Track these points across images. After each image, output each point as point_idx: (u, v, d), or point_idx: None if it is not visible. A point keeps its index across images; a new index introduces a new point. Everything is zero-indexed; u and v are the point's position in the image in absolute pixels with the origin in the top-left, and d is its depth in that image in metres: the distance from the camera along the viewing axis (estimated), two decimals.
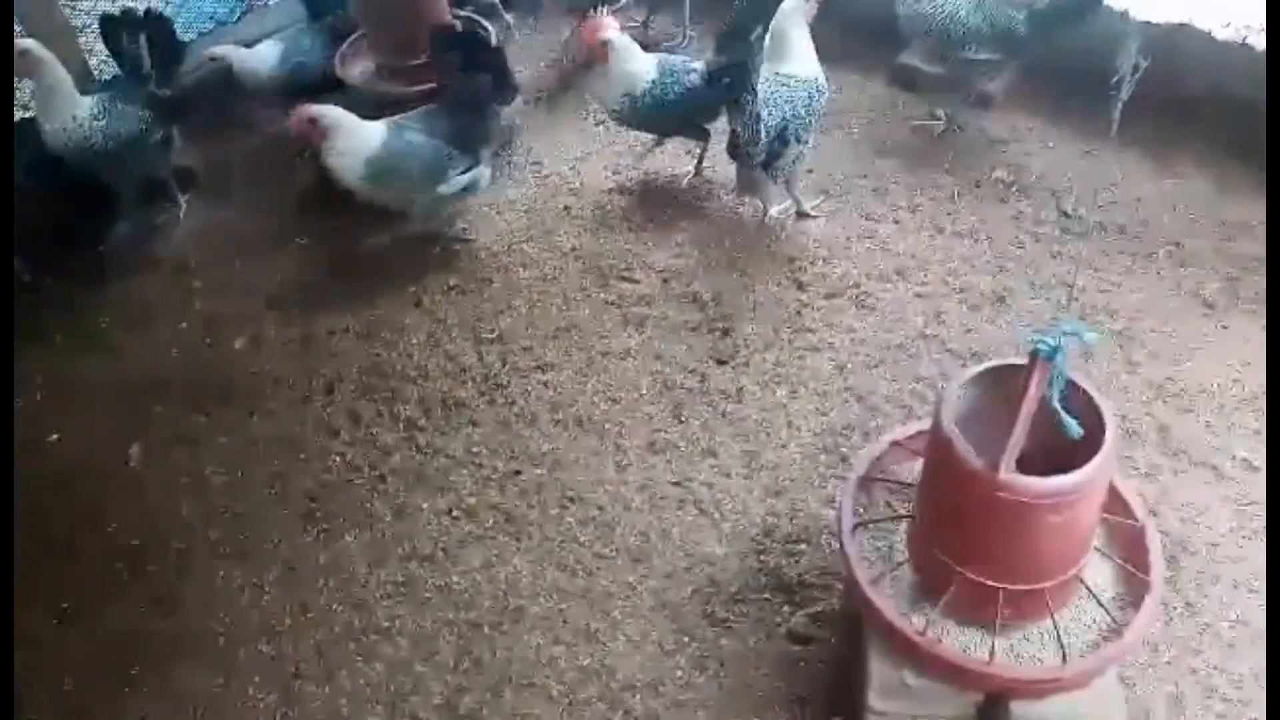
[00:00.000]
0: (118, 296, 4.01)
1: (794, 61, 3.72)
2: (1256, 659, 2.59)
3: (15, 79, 3.83)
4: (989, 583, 2.21)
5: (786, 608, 2.83)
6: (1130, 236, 3.77)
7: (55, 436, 3.54)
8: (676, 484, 3.15)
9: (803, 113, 3.68)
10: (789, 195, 3.93)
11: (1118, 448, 2.15)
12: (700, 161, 4.20)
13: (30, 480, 3.09)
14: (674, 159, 4.27)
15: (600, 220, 4.09)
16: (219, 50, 4.23)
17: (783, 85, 3.66)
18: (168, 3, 4.62)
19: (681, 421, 3.32)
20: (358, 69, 4.33)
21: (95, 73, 4.30)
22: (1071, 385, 2.11)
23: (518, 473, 3.23)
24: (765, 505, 3.07)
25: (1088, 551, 2.28)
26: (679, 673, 2.72)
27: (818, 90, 3.75)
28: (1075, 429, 2.07)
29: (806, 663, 2.71)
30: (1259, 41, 3.89)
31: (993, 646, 2.24)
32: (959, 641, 2.29)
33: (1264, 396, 3.18)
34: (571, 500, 3.14)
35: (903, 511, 2.53)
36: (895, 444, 2.65)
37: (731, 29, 3.84)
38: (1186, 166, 4.00)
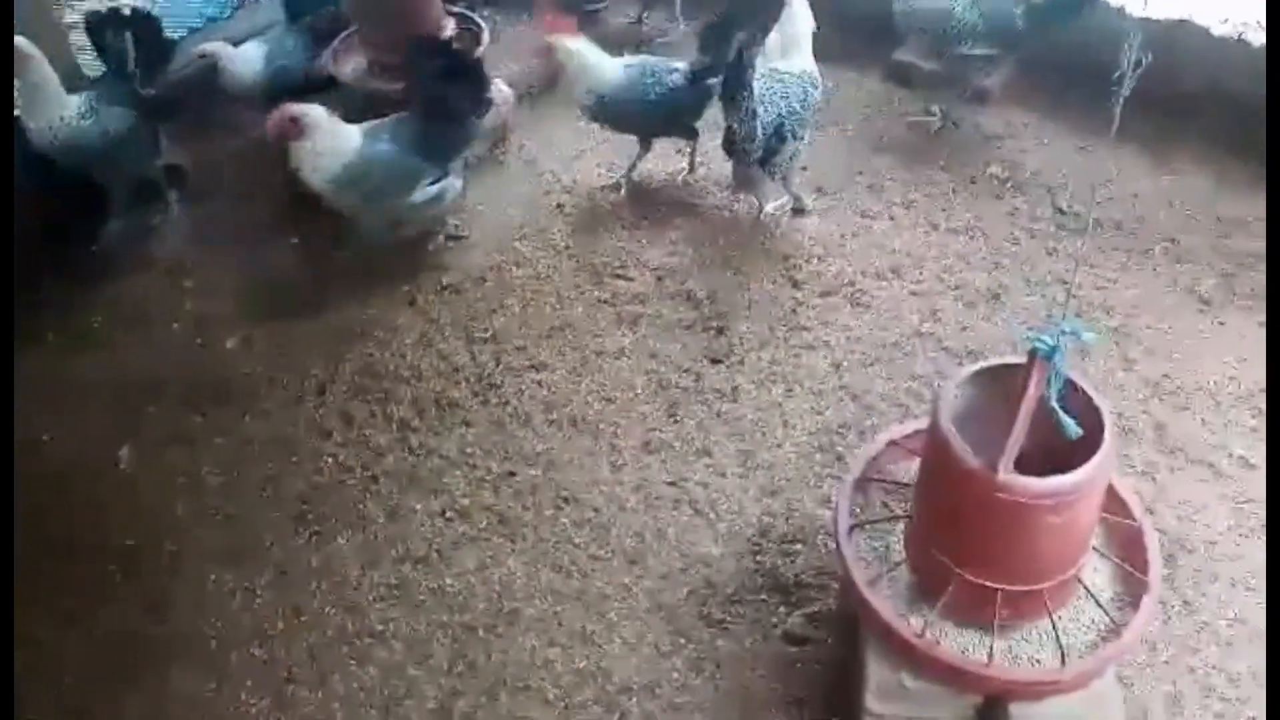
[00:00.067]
0: (110, 296, 3.97)
1: (789, 57, 3.71)
2: (1255, 657, 2.58)
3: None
4: (987, 584, 2.19)
5: (783, 608, 2.81)
6: (1126, 233, 3.76)
7: (48, 436, 3.51)
8: (672, 484, 3.14)
9: (798, 108, 3.67)
10: (786, 191, 3.91)
11: (1116, 447, 2.14)
12: (693, 159, 4.18)
13: (24, 480, 3.05)
14: (667, 157, 4.24)
15: (594, 218, 4.07)
16: (209, 47, 4.20)
17: (778, 81, 3.64)
18: (155, 1, 4.59)
19: (676, 421, 3.31)
20: (349, 66, 4.30)
21: (85, 71, 4.26)
22: (1070, 385, 2.10)
23: (512, 473, 3.21)
24: (761, 505, 3.05)
25: (1086, 552, 2.27)
26: (675, 675, 2.71)
27: (812, 85, 3.73)
28: (1074, 429, 2.06)
29: (803, 664, 2.69)
30: (1256, 38, 3.89)
31: (991, 648, 2.22)
32: (957, 643, 2.28)
33: (1261, 393, 3.17)
34: (566, 501, 3.12)
35: (900, 512, 2.51)
36: (892, 443, 2.63)
37: (714, 28, 3.84)
38: (1183, 163, 3.99)
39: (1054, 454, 2.09)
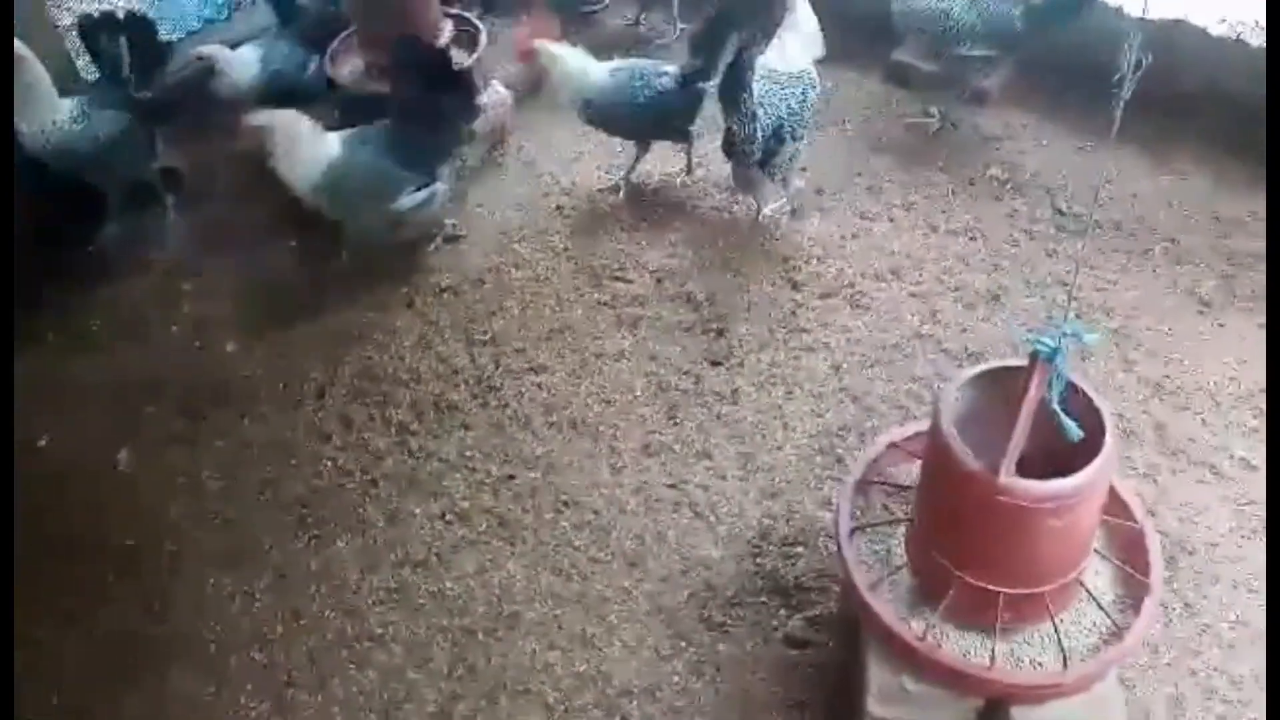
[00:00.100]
0: (109, 298, 3.97)
1: (787, 58, 3.70)
2: (1257, 660, 2.58)
3: None
4: (989, 587, 2.19)
5: (783, 611, 2.81)
6: (1126, 234, 3.75)
7: (47, 438, 3.51)
8: (672, 486, 3.13)
9: (797, 108, 3.66)
10: (785, 193, 3.91)
11: (1118, 450, 2.13)
12: (690, 160, 4.17)
13: (24, 481, 3.05)
14: (666, 158, 4.23)
15: (593, 220, 4.06)
16: (206, 50, 4.18)
17: (775, 83, 3.64)
18: (153, 2, 4.57)
19: (676, 423, 3.30)
20: (348, 68, 4.29)
21: (82, 73, 4.25)
22: (1071, 387, 2.09)
23: (511, 476, 3.20)
24: (761, 507, 3.05)
25: (1088, 554, 2.26)
26: (675, 678, 2.70)
27: (811, 86, 3.73)
28: (1075, 431, 2.05)
29: (804, 667, 2.69)
30: (1254, 38, 3.88)
31: (993, 651, 2.22)
32: (959, 646, 2.27)
33: (1261, 394, 3.16)
34: (566, 504, 3.11)
35: (901, 515, 2.50)
36: (892, 446, 2.62)
37: (705, 31, 3.84)
38: (1182, 163, 3.98)
39: (1055, 456, 2.08)
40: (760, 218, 3.94)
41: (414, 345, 3.63)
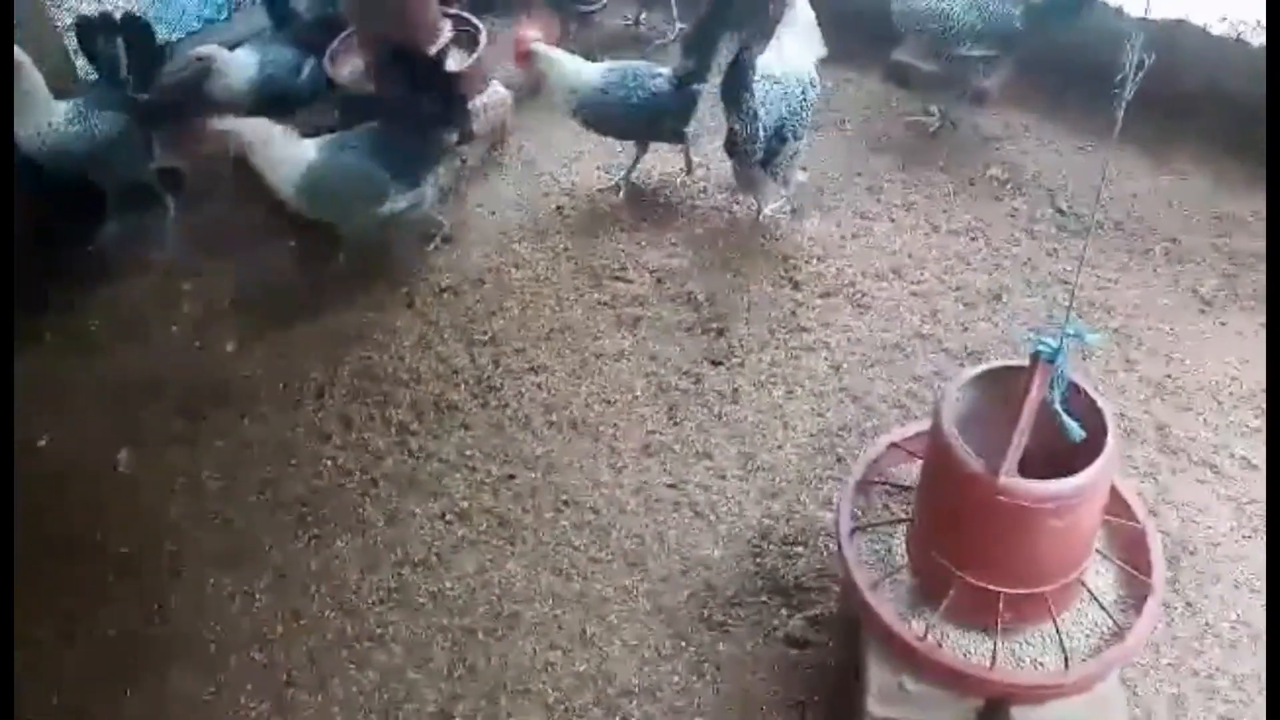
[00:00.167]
0: (108, 298, 3.97)
1: (787, 58, 3.70)
2: (1259, 660, 2.58)
3: None
4: (989, 587, 2.18)
5: (784, 611, 2.81)
6: (1127, 233, 3.74)
7: (46, 439, 3.51)
8: (672, 486, 3.13)
9: (798, 108, 3.66)
10: (785, 192, 3.90)
11: (1119, 450, 2.13)
12: (690, 160, 4.17)
13: (23, 482, 3.05)
14: (666, 158, 4.23)
15: (593, 220, 4.05)
16: (204, 50, 4.18)
17: (775, 83, 3.63)
18: (153, 2, 4.57)
19: (676, 423, 3.30)
20: (347, 68, 4.28)
21: (82, 73, 4.25)
22: (1073, 387, 2.09)
23: (511, 476, 3.20)
24: (761, 507, 3.04)
25: (1089, 554, 2.26)
26: (676, 678, 2.70)
27: (811, 85, 3.73)
28: (1077, 432, 2.05)
29: (804, 667, 2.69)
30: (1254, 37, 3.87)
31: (994, 651, 2.21)
32: (959, 646, 2.27)
33: (1262, 394, 3.16)
34: (566, 504, 3.11)
35: (901, 515, 2.50)
36: (893, 446, 2.62)
37: (697, 33, 3.83)
38: (1183, 163, 3.98)
39: (1056, 456, 2.08)
40: (761, 217, 3.94)
41: (414, 345, 3.62)
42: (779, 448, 3.19)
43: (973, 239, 3.80)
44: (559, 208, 4.12)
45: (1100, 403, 2.12)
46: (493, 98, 4.33)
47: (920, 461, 2.43)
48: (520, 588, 2.92)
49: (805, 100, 3.69)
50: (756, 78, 3.53)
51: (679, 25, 4.86)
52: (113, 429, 3.49)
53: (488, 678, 2.74)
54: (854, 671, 2.48)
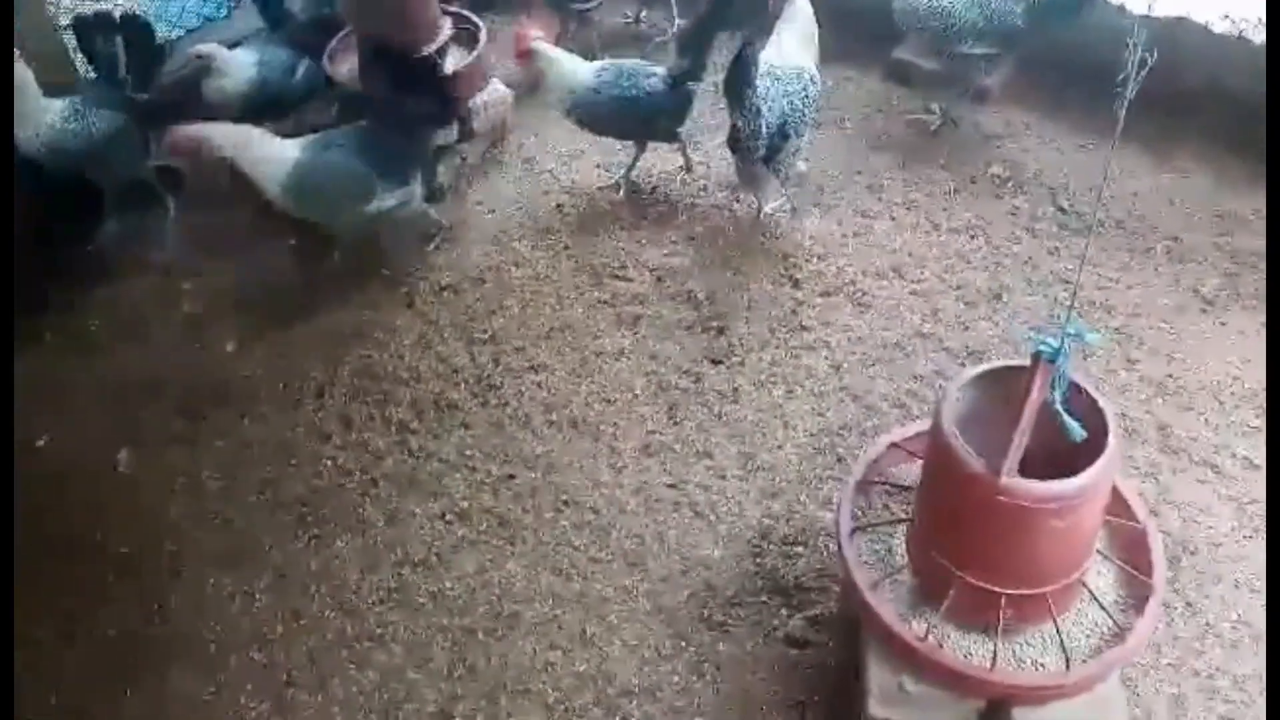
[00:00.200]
0: (108, 298, 3.96)
1: (785, 54, 3.70)
2: (1259, 660, 2.57)
3: None
4: (990, 587, 2.18)
5: (784, 611, 2.80)
6: (1128, 232, 3.74)
7: (46, 439, 3.50)
8: (672, 486, 3.12)
9: (800, 105, 3.65)
10: (786, 190, 3.90)
11: (1120, 450, 2.12)
12: (689, 158, 4.16)
13: (23, 482, 3.05)
14: (666, 157, 4.22)
15: (593, 218, 4.05)
16: (204, 49, 4.17)
17: (777, 80, 3.63)
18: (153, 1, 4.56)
19: (676, 423, 3.29)
20: (346, 66, 4.27)
21: (81, 72, 4.24)
22: (1074, 387, 2.08)
23: (511, 476, 3.19)
24: (762, 507, 3.04)
25: (1090, 555, 2.26)
26: (676, 678, 2.70)
27: (812, 82, 3.72)
28: (1078, 432, 2.05)
29: (804, 667, 2.68)
30: (1256, 35, 3.87)
31: (994, 652, 2.21)
32: (960, 647, 2.27)
33: (1263, 393, 3.15)
34: (566, 503, 3.11)
35: (902, 515, 2.50)
36: (893, 445, 2.62)
37: (692, 32, 3.82)
38: (1184, 161, 3.97)
39: (1057, 456, 2.07)
40: (761, 215, 3.93)
41: (414, 344, 3.62)
42: (779, 447, 3.19)
43: (973, 237, 3.79)
44: (559, 206, 4.11)
45: (1101, 402, 2.12)
46: (493, 96, 4.33)
47: (921, 461, 2.43)
48: (520, 588, 2.92)
49: (807, 97, 3.68)
50: (759, 73, 3.53)
51: (679, 23, 4.86)
52: (113, 429, 3.48)
53: (488, 678, 2.74)
54: (854, 672, 2.48)
